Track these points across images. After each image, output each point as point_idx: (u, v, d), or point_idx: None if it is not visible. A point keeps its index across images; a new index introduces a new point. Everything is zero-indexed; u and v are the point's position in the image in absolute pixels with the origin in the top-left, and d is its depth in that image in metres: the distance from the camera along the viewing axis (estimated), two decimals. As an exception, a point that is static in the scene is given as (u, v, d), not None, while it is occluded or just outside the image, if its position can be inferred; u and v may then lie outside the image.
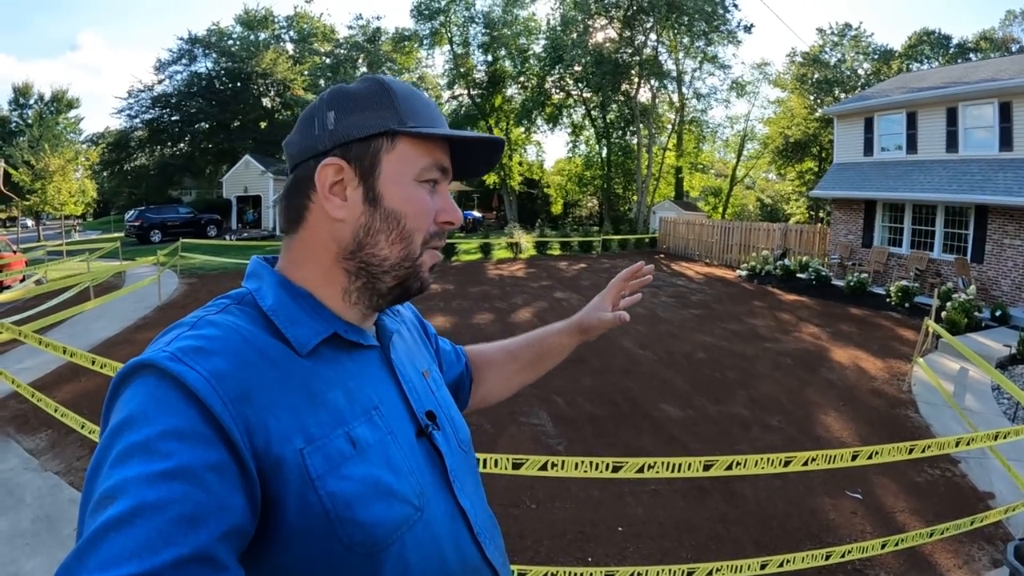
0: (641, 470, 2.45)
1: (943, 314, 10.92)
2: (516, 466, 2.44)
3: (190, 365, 0.68)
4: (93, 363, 4.07)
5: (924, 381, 7.63)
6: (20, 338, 4.98)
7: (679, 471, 2.47)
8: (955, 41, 36.42)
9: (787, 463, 2.61)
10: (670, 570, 2.77)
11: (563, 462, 2.47)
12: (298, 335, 0.80)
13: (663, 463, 2.45)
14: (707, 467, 2.48)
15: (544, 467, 2.45)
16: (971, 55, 34.79)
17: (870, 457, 2.94)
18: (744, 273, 17.94)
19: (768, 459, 2.58)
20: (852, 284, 14.30)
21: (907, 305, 12.83)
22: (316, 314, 0.84)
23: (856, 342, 10.12)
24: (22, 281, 13.81)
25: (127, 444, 0.62)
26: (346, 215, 0.85)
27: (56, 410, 4.56)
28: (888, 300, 13.31)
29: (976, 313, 11.36)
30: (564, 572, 2.79)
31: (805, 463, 2.66)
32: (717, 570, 2.87)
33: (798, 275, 16.05)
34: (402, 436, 0.85)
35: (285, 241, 0.91)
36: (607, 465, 2.45)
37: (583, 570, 2.81)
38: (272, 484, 0.69)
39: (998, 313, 11.72)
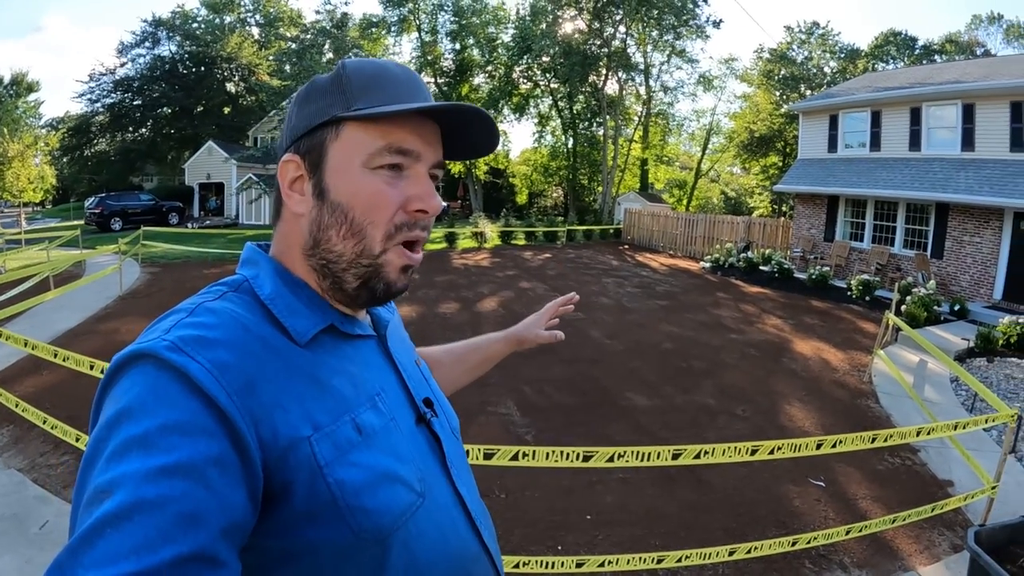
0: (611, 459, 2.47)
1: (903, 308, 11.16)
2: (488, 456, 2.45)
3: (192, 356, 0.66)
4: (55, 356, 3.96)
5: (884, 372, 7.80)
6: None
7: (648, 460, 2.49)
8: (921, 43, 37.08)
9: (753, 452, 2.65)
10: (640, 558, 2.80)
11: (534, 452, 2.48)
12: (296, 325, 0.79)
13: (633, 452, 2.48)
14: (676, 456, 2.51)
15: (515, 457, 2.46)
16: (936, 57, 35.48)
17: (834, 446, 3.01)
18: (708, 265, 18.13)
19: (735, 448, 2.62)
20: (814, 277, 14.55)
21: (868, 299, 13.11)
22: (313, 304, 0.83)
23: (819, 334, 10.31)
24: (-21, 271, 13.43)
25: (125, 437, 0.60)
26: (304, 210, 0.83)
27: (17, 405, 4.45)
28: (849, 293, 13.58)
29: (935, 307, 11.61)
30: (535, 562, 2.82)
31: (771, 452, 2.70)
32: (686, 557, 2.90)
33: (761, 268, 16.29)
34: (403, 423, 0.85)
35: (274, 232, 0.90)
36: (578, 455, 2.47)
37: (554, 559, 2.83)
38: (280, 474, 0.68)
39: (957, 308, 12.00)
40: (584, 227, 26.91)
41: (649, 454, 2.48)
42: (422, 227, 0.86)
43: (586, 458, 2.46)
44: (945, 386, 7.76)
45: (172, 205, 29.40)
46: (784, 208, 33.09)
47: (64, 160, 39.50)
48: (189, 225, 27.89)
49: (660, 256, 21.43)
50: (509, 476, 4.66)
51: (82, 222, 24.88)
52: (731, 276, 16.72)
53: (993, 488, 4.17)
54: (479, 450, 2.44)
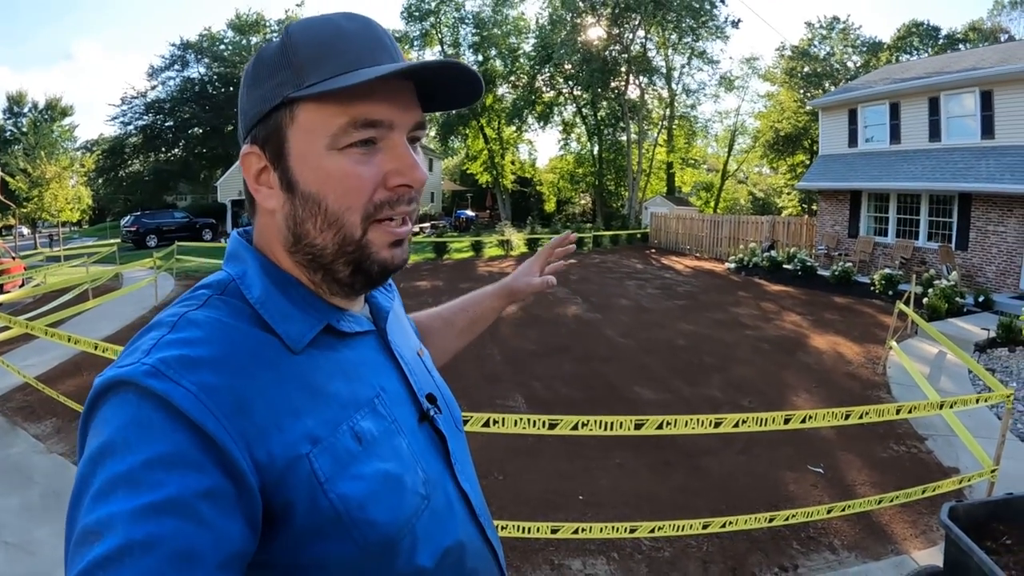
0: (575, 427, 2.65)
1: (924, 300, 11.09)
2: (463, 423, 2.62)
3: (176, 381, 0.61)
4: (96, 348, 4.33)
5: (899, 364, 7.78)
6: (29, 331, 5.37)
7: (611, 429, 2.66)
8: (944, 32, 36.65)
9: (717, 424, 2.80)
10: (612, 527, 2.96)
11: (503, 419, 2.67)
12: (290, 332, 0.73)
13: (596, 421, 2.65)
14: (638, 426, 2.67)
15: (487, 424, 2.64)
16: (960, 46, 34.94)
17: (804, 421, 3.13)
18: (732, 265, 18.09)
19: (698, 419, 2.77)
20: (837, 273, 14.50)
21: (891, 293, 12.99)
22: (307, 304, 0.77)
23: (837, 329, 10.30)
24: (21, 286, 14.07)
25: (110, 474, 0.56)
26: (275, 205, 0.76)
27: (59, 395, 4.84)
28: (872, 288, 13.49)
29: (959, 299, 11.47)
30: (511, 526, 2.99)
31: (736, 424, 2.84)
32: (659, 528, 3.05)
33: (784, 266, 16.23)
34: (405, 423, 0.81)
35: (253, 224, 0.84)
36: (544, 423, 2.65)
37: (529, 524, 3.00)
38: (280, 495, 0.64)
39: (981, 299, 11.82)
40: (611, 232, 26.92)
41: (612, 423, 2.65)
42: (407, 201, 0.78)
43: (551, 426, 2.63)
44: (963, 377, 7.71)
45: (206, 222, 30.17)
46: (813, 207, 32.77)
47: (99, 181, 40.81)
48: (223, 241, 28.57)
49: (686, 259, 21.42)
50: (509, 460, 4.87)
51: (119, 240, 25.69)
52: (755, 276, 16.68)
53: (993, 471, 4.18)
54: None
